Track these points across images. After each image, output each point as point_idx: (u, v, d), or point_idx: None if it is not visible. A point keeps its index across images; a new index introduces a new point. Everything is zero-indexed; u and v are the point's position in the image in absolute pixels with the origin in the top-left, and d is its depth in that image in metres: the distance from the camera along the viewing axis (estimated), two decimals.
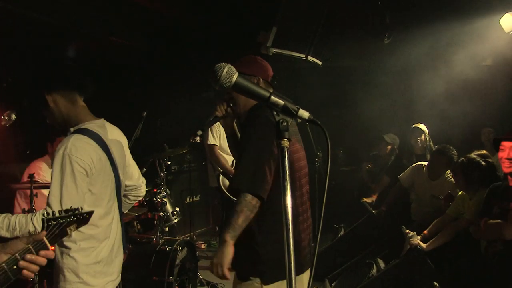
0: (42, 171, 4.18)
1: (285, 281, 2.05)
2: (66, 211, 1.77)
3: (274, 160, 2.21)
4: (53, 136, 4.23)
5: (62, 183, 2.12)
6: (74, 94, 2.37)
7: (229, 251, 2.12)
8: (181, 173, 6.66)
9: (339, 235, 5.69)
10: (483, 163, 3.93)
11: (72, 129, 2.35)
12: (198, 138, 2.62)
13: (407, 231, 4.32)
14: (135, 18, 5.46)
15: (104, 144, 2.35)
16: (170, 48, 6.25)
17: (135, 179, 2.79)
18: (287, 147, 1.23)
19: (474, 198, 3.95)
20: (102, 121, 2.49)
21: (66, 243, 2.24)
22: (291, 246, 1.21)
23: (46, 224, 1.71)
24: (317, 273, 4.63)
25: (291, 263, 1.19)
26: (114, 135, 2.57)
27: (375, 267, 4.42)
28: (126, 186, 2.70)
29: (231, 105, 2.51)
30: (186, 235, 6.41)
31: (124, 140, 2.70)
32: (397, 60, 6.32)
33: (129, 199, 2.82)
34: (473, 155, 4.04)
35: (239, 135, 2.67)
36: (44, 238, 1.68)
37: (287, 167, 1.21)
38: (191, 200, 6.70)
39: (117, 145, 2.56)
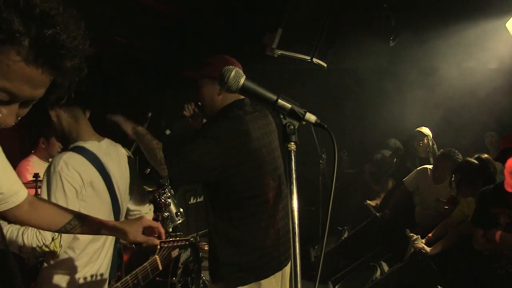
0: (30, 166, 4.17)
1: (248, 286, 2.27)
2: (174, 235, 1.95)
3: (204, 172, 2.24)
4: (49, 133, 4.25)
5: (50, 198, 2.03)
6: (78, 110, 2.28)
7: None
8: None
9: (342, 238, 5.68)
10: (485, 166, 3.92)
11: (71, 146, 2.26)
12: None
13: (411, 234, 4.31)
14: (140, 18, 5.48)
15: (100, 165, 2.23)
16: (176, 48, 6.26)
17: (139, 205, 2.63)
18: (293, 151, 1.23)
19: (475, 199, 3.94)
20: (106, 141, 2.40)
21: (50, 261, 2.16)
22: (297, 249, 1.20)
23: (159, 248, 1.96)
24: (321, 275, 4.62)
25: (297, 266, 1.19)
26: (119, 156, 2.46)
27: (378, 270, 4.42)
28: (130, 210, 2.58)
29: (199, 104, 2.53)
30: (190, 235, 6.41)
31: (129, 161, 2.56)
32: (401, 63, 6.31)
33: None
34: (470, 159, 4.02)
35: None
36: (158, 258, 1.98)
37: (293, 171, 1.21)
38: (195, 200, 6.71)
39: (119, 166, 2.43)
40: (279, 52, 4.61)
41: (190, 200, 6.64)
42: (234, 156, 2.23)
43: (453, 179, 4.16)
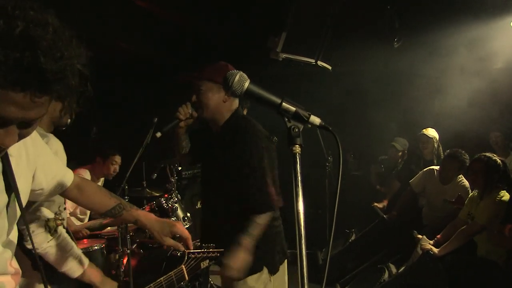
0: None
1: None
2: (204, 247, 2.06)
3: (272, 172, 2.46)
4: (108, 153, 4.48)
5: None
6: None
7: (246, 257, 2.31)
8: (192, 178, 6.67)
9: (350, 240, 5.67)
10: (503, 166, 3.94)
11: None
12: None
13: (418, 235, 4.30)
14: (145, 24, 5.51)
15: None
16: (180, 54, 6.29)
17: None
18: (298, 153, 1.23)
19: (485, 199, 3.94)
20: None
21: None
22: (303, 251, 1.21)
23: (186, 258, 2.00)
24: (328, 278, 4.62)
25: (303, 268, 1.19)
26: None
27: (386, 272, 4.41)
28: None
29: (198, 108, 2.56)
30: (197, 240, 6.41)
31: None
32: (406, 65, 6.30)
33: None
34: (493, 156, 4.03)
35: (184, 142, 2.76)
36: (184, 268, 2.00)
37: (299, 174, 1.21)
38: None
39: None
40: (284, 55, 4.63)
41: (197, 205, 6.64)
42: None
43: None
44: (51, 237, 2.03)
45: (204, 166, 2.82)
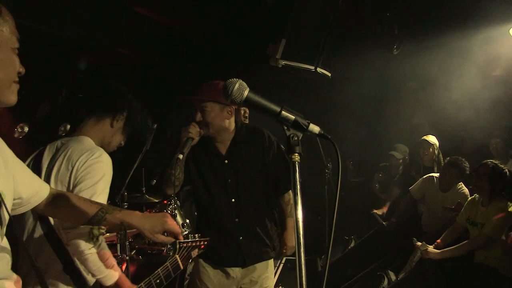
0: None
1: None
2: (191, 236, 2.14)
3: None
4: None
5: None
6: None
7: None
8: None
9: (349, 247, 5.66)
10: (509, 176, 3.93)
11: None
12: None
13: (418, 243, 4.29)
14: (144, 30, 5.52)
15: None
16: (179, 60, 6.30)
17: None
18: (298, 162, 1.24)
19: (490, 208, 3.93)
20: None
21: None
22: (302, 258, 1.21)
23: (178, 247, 2.08)
24: (328, 284, 4.60)
25: (302, 275, 1.20)
26: None
27: (386, 279, 4.40)
28: None
29: (203, 126, 2.76)
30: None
31: None
32: (406, 72, 6.32)
33: None
34: (500, 164, 4.03)
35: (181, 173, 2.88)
36: (178, 258, 2.09)
37: (298, 182, 1.22)
38: None
39: None
40: (283, 62, 4.63)
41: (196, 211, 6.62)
42: None
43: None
44: (92, 245, 2.02)
45: (222, 176, 2.93)
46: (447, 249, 4.03)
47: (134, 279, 2.56)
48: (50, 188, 1.80)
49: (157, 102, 6.61)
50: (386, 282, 4.37)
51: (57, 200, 1.80)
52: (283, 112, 1.27)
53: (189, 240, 2.12)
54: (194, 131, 2.70)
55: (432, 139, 5.77)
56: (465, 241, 3.99)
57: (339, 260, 5.41)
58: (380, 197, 6.52)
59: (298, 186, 1.22)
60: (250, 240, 2.91)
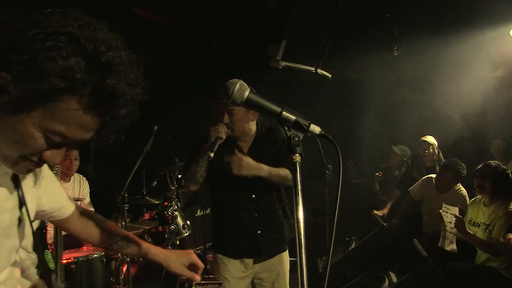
0: None
1: None
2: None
3: None
4: None
5: None
6: None
7: (249, 164, 2.82)
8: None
9: (350, 248, 5.65)
10: (511, 175, 3.94)
11: None
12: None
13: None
14: (144, 32, 5.52)
15: None
16: (180, 62, 6.30)
17: None
18: (298, 162, 1.24)
19: (491, 207, 3.94)
20: None
21: None
22: (303, 259, 1.21)
23: None
24: (328, 286, 4.60)
25: (303, 276, 1.19)
26: None
27: (387, 281, 4.39)
28: None
29: (229, 127, 2.89)
30: (197, 248, 6.39)
31: None
32: (406, 73, 6.32)
33: None
34: (502, 165, 4.04)
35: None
36: None
37: (299, 182, 1.22)
38: (202, 213, 6.69)
39: None
40: (284, 63, 4.63)
41: (197, 213, 6.63)
42: None
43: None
44: None
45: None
46: (475, 236, 3.96)
47: (135, 281, 2.56)
48: (75, 205, 1.76)
49: (157, 104, 6.61)
50: (387, 283, 4.36)
51: (81, 221, 1.77)
52: (284, 112, 1.27)
53: (207, 282, 2.08)
54: (223, 131, 2.83)
55: (430, 139, 5.80)
56: (490, 243, 3.87)
57: (339, 261, 5.40)
58: (380, 198, 6.51)
59: (299, 186, 1.22)
60: (267, 233, 3.06)
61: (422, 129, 6.19)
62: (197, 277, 1.88)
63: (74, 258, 3.60)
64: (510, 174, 3.95)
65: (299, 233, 1.20)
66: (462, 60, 5.64)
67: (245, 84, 1.27)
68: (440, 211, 4.26)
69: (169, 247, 4.35)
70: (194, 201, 6.56)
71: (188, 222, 4.77)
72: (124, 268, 3.85)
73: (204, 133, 2.94)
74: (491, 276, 3.79)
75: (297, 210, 1.21)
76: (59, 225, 1.80)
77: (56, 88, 0.91)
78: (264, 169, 2.86)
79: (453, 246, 4.15)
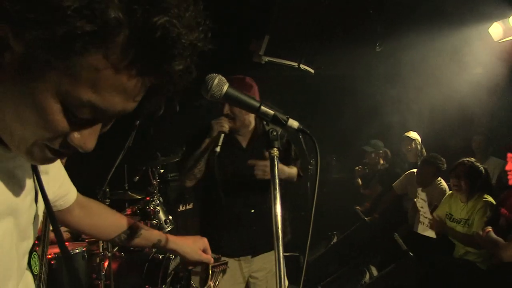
0: None
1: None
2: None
3: None
4: None
5: None
6: None
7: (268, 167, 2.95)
8: (174, 181, 6.63)
9: (332, 243, 5.70)
10: (485, 173, 4.01)
11: None
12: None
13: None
14: None
15: None
16: None
17: None
18: (276, 156, 1.24)
19: (469, 203, 4.00)
20: None
21: None
22: (281, 254, 1.22)
23: (211, 271, 1.94)
24: (310, 280, 4.64)
25: (281, 270, 1.21)
26: None
27: (367, 274, 4.45)
28: None
29: (230, 119, 2.84)
30: None
31: None
32: (388, 69, 6.36)
33: None
34: (476, 162, 4.09)
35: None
36: (212, 285, 1.93)
37: (277, 177, 1.22)
38: (184, 208, 6.68)
39: None
40: (266, 58, 4.64)
41: (179, 208, 6.61)
42: None
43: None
44: None
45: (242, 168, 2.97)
46: (455, 230, 4.03)
47: (117, 276, 2.53)
48: (76, 195, 1.43)
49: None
50: (367, 277, 4.42)
51: (84, 207, 1.47)
52: (262, 107, 1.27)
53: (219, 263, 2.02)
54: (227, 125, 2.80)
55: (413, 134, 5.86)
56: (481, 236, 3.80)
57: (322, 255, 5.45)
58: (363, 193, 6.56)
59: (277, 181, 1.22)
60: (262, 229, 2.92)
61: (405, 125, 6.25)
62: (211, 259, 1.86)
63: (55, 254, 3.55)
64: (483, 172, 4.02)
65: (277, 227, 1.21)
66: (445, 56, 5.71)
67: (224, 79, 1.26)
68: (415, 199, 4.36)
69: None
70: (177, 196, 6.55)
71: (170, 217, 4.75)
72: (106, 264, 3.82)
73: (201, 127, 2.89)
74: (468, 268, 3.85)
75: (275, 204, 1.22)
76: (57, 217, 1.32)
77: (77, 33, 0.61)
78: (285, 172, 2.91)
79: (429, 232, 4.22)
